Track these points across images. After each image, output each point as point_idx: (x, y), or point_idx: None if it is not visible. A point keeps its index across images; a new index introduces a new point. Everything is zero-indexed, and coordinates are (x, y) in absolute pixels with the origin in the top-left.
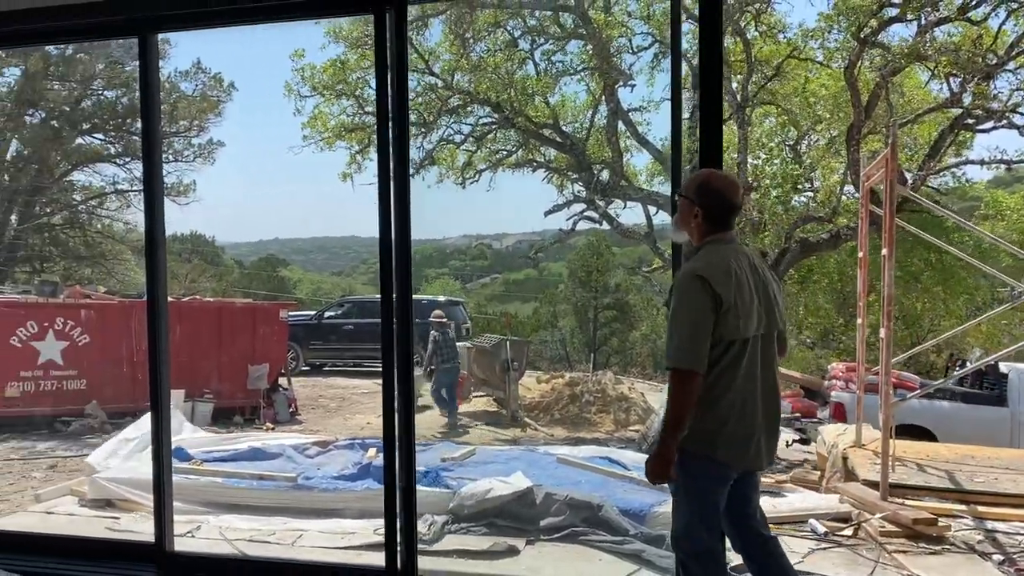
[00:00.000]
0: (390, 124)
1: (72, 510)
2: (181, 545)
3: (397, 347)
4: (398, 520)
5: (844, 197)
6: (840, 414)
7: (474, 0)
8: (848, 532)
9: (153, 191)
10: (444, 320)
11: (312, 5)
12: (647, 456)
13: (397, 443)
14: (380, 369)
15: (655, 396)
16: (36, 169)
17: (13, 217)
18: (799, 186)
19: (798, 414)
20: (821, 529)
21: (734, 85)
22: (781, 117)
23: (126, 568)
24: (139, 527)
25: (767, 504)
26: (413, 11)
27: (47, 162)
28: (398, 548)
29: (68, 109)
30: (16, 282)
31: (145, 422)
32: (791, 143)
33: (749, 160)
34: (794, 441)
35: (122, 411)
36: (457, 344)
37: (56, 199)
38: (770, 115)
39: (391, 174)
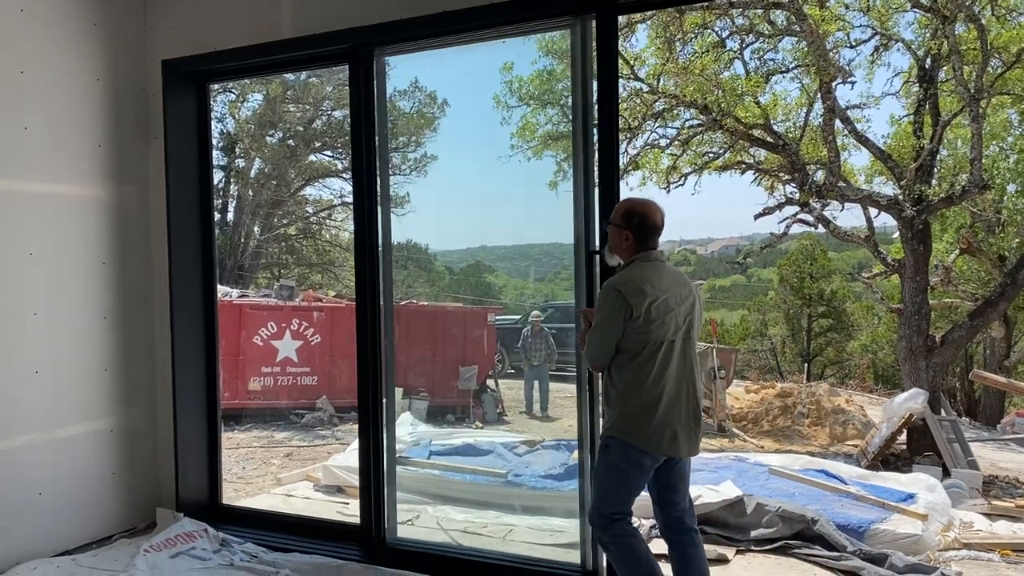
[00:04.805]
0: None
1: (308, 494)
2: (403, 532)
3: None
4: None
5: None
6: None
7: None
8: None
9: (380, 204)
10: (535, 322)
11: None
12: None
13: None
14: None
15: (875, 410)
16: (275, 184)
17: (256, 228)
18: None
19: None
20: None
21: (964, 75)
22: (1020, 106)
23: (349, 548)
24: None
25: (1007, 529)
26: (621, 19)
27: (284, 178)
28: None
29: (302, 129)
30: (258, 286)
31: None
32: None
33: (984, 156)
34: None
35: (348, 406)
36: None
37: (292, 211)
38: (1007, 106)
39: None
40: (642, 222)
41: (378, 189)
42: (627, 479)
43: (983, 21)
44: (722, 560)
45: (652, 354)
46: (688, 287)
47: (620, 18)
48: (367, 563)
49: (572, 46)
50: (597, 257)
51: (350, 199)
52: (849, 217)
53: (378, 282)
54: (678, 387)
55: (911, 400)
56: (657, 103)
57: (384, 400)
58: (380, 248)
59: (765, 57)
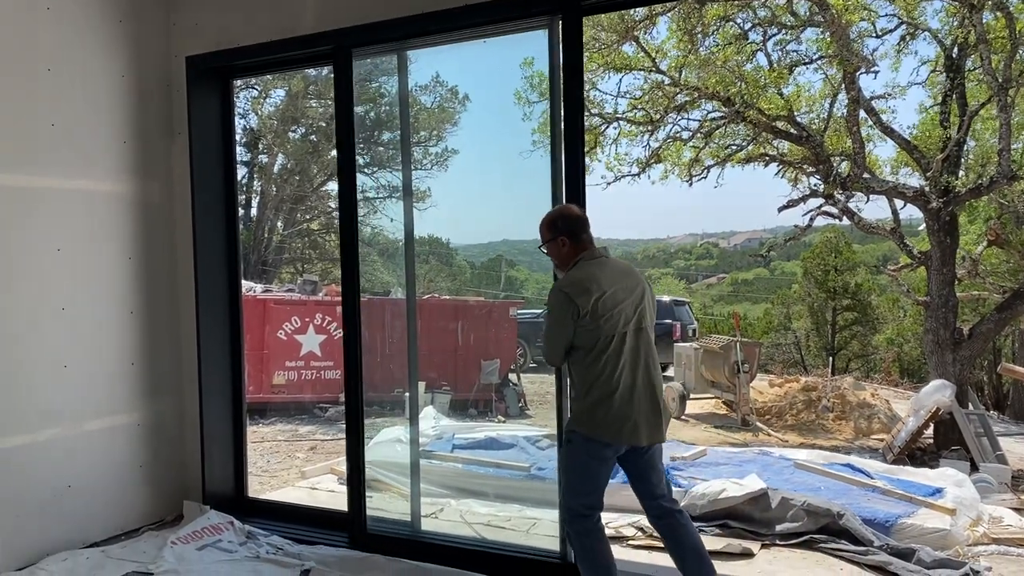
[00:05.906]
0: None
1: (332, 487)
2: (427, 525)
3: None
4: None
5: None
6: None
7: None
8: None
9: (403, 198)
10: None
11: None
12: None
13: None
14: None
15: (901, 404)
16: (298, 180)
17: (279, 223)
18: None
19: None
20: None
21: (992, 64)
22: None
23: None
24: (388, 506)
25: None
26: (640, 12)
27: (307, 173)
28: None
29: (324, 124)
30: (282, 281)
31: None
32: None
33: (1013, 146)
34: None
35: (371, 399)
36: (683, 345)
37: (314, 206)
38: None
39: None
40: (566, 221)
41: (403, 183)
42: (590, 472)
43: (1011, 9)
44: (747, 554)
45: (604, 348)
46: (636, 279)
47: (639, 11)
48: (353, 550)
49: (549, 46)
50: None
51: (372, 194)
52: (874, 209)
53: (359, 277)
54: (633, 377)
55: (937, 392)
56: (679, 95)
57: (365, 395)
58: (403, 241)
59: (788, 48)
